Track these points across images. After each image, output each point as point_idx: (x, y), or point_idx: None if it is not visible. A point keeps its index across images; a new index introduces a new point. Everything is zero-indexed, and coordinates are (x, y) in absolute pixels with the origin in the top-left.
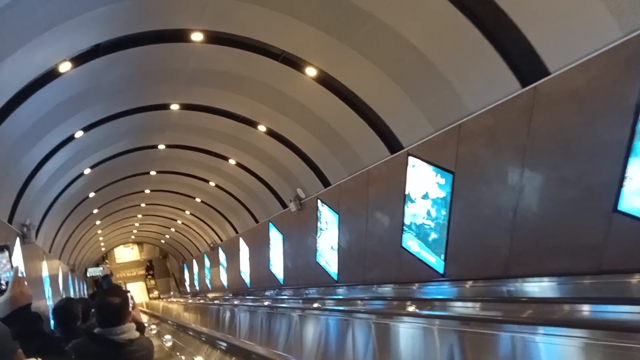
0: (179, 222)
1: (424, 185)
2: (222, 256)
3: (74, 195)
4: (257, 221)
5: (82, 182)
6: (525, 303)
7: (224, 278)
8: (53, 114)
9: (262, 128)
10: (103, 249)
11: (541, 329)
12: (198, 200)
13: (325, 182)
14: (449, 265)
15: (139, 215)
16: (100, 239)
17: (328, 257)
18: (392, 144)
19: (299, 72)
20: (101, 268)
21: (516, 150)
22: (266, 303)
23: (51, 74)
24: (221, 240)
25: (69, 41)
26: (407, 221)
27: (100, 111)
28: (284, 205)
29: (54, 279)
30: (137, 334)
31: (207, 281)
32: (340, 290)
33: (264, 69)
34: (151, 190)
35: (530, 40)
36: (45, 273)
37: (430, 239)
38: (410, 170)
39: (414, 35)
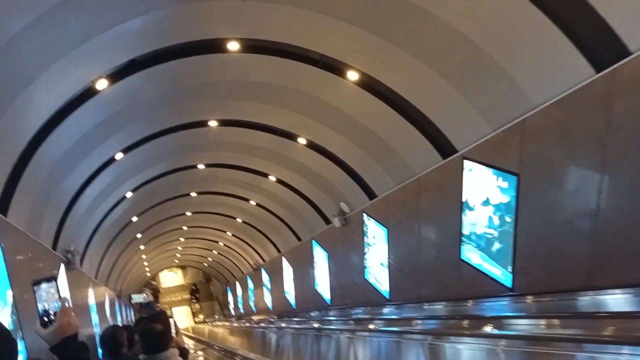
0: (221, 244)
1: (484, 191)
2: (265, 277)
3: (117, 219)
4: (299, 239)
5: (124, 206)
6: (608, 318)
7: (268, 300)
8: (92, 135)
9: (302, 141)
10: (148, 274)
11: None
12: (239, 220)
13: (371, 195)
14: (518, 277)
15: (182, 239)
16: (145, 263)
17: (378, 274)
18: (445, 148)
19: (340, 77)
20: (144, 295)
21: (594, 144)
22: (315, 325)
23: (88, 92)
24: (264, 260)
25: (103, 56)
26: (465, 231)
27: (138, 130)
28: (327, 222)
29: (100, 305)
30: (180, 359)
31: (252, 303)
32: (391, 309)
33: (303, 77)
34: (192, 212)
35: (605, 17)
36: (91, 300)
37: (494, 249)
38: (466, 175)
39: (466, 25)
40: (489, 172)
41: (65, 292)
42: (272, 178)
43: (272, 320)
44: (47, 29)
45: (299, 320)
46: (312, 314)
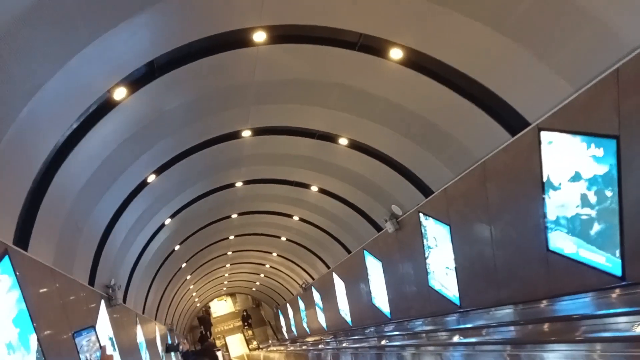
0: (267, 266)
1: (571, 164)
2: (316, 296)
3: (158, 249)
4: (349, 252)
5: (164, 234)
6: None
7: (321, 319)
8: (119, 155)
9: (343, 141)
10: (198, 305)
11: None
12: (283, 239)
13: (426, 191)
14: (631, 263)
15: (227, 265)
16: (194, 294)
17: (443, 279)
18: (513, 123)
19: (381, 58)
20: (180, 347)
21: None
22: (382, 342)
23: (107, 104)
24: (313, 279)
25: (116, 57)
26: (551, 215)
27: (169, 148)
28: (378, 228)
29: (151, 342)
30: None
31: (305, 325)
32: (464, 317)
33: (339, 65)
34: (235, 236)
35: None
36: (140, 337)
37: (592, 232)
38: (545, 150)
39: None
40: (575, 140)
41: (107, 330)
42: (314, 188)
43: (328, 340)
44: (42, 24)
45: (357, 339)
46: (371, 329)
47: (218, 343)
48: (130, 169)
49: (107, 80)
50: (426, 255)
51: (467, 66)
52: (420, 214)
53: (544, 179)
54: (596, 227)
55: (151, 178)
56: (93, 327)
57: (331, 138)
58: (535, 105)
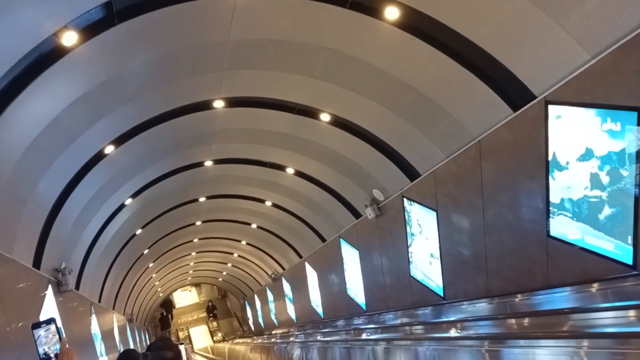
0: (235, 255)
1: (582, 141)
2: (286, 287)
3: (117, 232)
4: (323, 240)
5: (124, 216)
6: None
7: (291, 311)
8: (70, 117)
9: (324, 117)
10: (161, 295)
11: None
12: (254, 226)
13: (412, 174)
14: None
15: (193, 253)
16: (156, 283)
17: (426, 268)
18: (516, 95)
19: (375, 19)
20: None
21: None
22: (354, 335)
23: (54, 51)
24: (283, 269)
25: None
26: (554, 198)
27: (130, 115)
28: (357, 215)
29: (107, 333)
30: None
31: (273, 316)
32: (450, 310)
33: (327, 25)
34: (203, 222)
35: None
36: (95, 327)
37: (601, 217)
38: (553, 125)
39: None
40: (588, 114)
41: (56, 317)
42: (290, 170)
43: (297, 333)
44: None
45: (328, 331)
46: (344, 321)
47: (181, 334)
48: (84, 137)
49: (54, 20)
50: (409, 243)
51: (470, 30)
52: (405, 199)
53: (549, 158)
54: (606, 211)
55: (109, 149)
56: (52, 320)
57: (312, 113)
58: (544, 75)
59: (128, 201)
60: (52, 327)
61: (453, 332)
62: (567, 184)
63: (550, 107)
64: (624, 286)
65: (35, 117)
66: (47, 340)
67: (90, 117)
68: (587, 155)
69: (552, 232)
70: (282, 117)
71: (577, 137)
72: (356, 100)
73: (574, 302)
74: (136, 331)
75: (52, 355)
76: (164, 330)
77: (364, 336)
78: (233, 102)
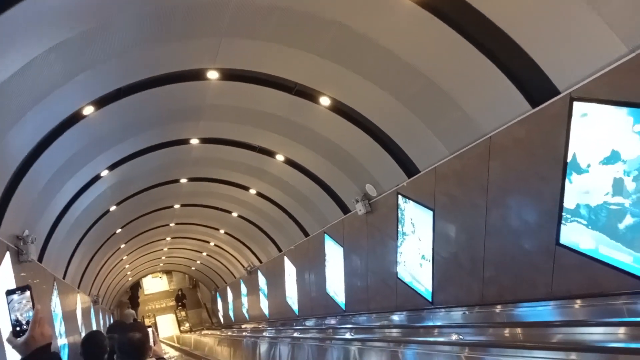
0: (212, 244)
1: (608, 142)
2: (262, 280)
3: (90, 206)
4: (307, 235)
5: (99, 189)
6: None
7: (264, 306)
8: (42, 66)
9: (324, 101)
10: (130, 279)
11: None
12: (235, 214)
13: (410, 170)
14: None
15: (168, 238)
16: (126, 266)
17: (416, 270)
18: (536, 90)
19: None
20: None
21: None
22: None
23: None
24: (260, 262)
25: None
26: (569, 203)
27: (113, 75)
28: (345, 210)
29: (70, 314)
30: None
31: (245, 310)
32: (437, 315)
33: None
34: (182, 205)
35: None
36: (56, 306)
37: (621, 226)
38: (577, 124)
39: None
40: (620, 113)
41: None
42: (280, 157)
43: (269, 328)
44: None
45: (302, 329)
46: (320, 320)
47: (147, 322)
48: (60, 92)
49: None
50: (399, 243)
51: (495, 12)
52: (399, 196)
53: (568, 159)
54: (628, 220)
55: (88, 111)
56: (27, 287)
57: (311, 95)
58: (571, 69)
59: (104, 173)
60: (27, 294)
61: (431, 338)
62: (585, 188)
63: (576, 104)
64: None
65: (3, 58)
66: (20, 307)
67: (68, 70)
68: (613, 158)
69: (562, 240)
70: (279, 97)
71: (603, 138)
72: (360, 84)
73: (580, 316)
74: (101, 314)
75: (23, 322)
76: (132, 309)
77: (338, 336)
78: (228, 75)
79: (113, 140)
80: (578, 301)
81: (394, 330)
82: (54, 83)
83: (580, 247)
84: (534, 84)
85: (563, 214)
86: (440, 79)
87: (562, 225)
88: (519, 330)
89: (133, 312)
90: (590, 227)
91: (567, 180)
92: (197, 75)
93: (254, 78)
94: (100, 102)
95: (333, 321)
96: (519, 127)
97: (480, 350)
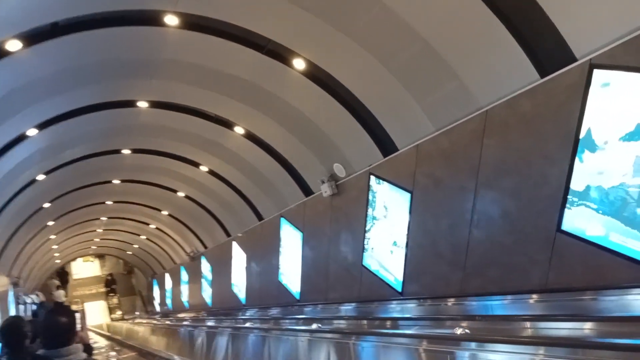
0: (152, 226)
1: (633, 116)
2: (205, 267)
3: (13, 172)
4: (261, 218)
5: (24, 152)
6: None
7: (207, 294)
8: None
9: (298, 64)
10: (58, 261)
11: None
12: (181, 194)
13: (387, 148)
14: None
15: (103, 219)
16: (54, 246)
17: (385, 258)
18: (548, 57)
19: None
20: (35, 294)
21: None
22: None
23: None
24: (206, 247)
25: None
26: (577, 185)
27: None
28: (308, 192)
29: None
30: (84, 355)
31: (184, 298)
32: (406, 307)
33: None
34: (121, 181)
35: None
36: None
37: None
38: (595, 94)
39: None
40: None
41: None
42: (239, 130)
43: (210, 317)
44: None
45: (245, 318)
46: (267, 311)
47: (74, 308)
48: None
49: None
50: (367, 228)
51: None
52: (372, 177)
53: (581, 135)
54: None
55: (14, 45)
56: None
57: (283, 57)
58: (594, 32)
59: (32, 132)
60: None
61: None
62: (599, 168)
63: (596, 72)
64: None
65: None
66: None
67: (22, 104)
68: (637, 133)
69: (565, 226)
70: (247, 57)
71: (627, 110)
72: (344, 45)
73: (580, 310)
74: (21, 298)
75: None
76: (63, 286)
77: (285, 327)
78: (190, 23)
79: (45, 91)
80: (588, 293)
81: (352, 321)
82: (8, 113)
83: (586, 234)
84: (547, 50)
85: (569, 197)
86: (439, 42)
87: (566, 210)
88: (496, 324)
89: (63, 291)
90: (600, 211)
91: (577, 159)
92: (153, 18)
93: (220, 31)
94: (31, 38)
95: (284, 311)
96: (524, 99)
97: (442, 344)
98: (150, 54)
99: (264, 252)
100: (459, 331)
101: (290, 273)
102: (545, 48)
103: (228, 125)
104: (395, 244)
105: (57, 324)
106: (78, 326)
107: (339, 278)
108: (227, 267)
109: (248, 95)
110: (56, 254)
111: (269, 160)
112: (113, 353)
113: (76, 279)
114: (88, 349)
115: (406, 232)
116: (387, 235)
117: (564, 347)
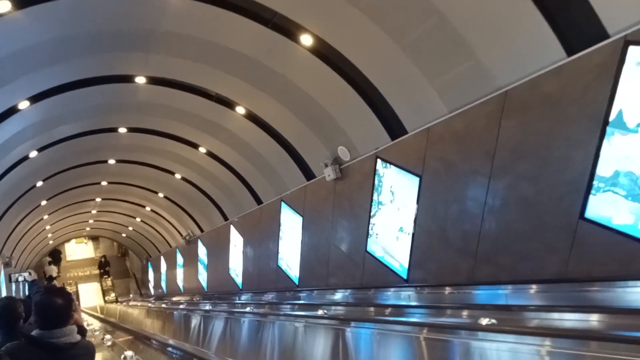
0: (148, 208)
1: None
2: (202, 251)
3: (5, 146)
4: (260, 202)
5: (16, 126)
6: None
7: (203, 278)
8: None
9: (305, 40)
10: (51, 242)
11: None
12: (178, 176)
13: (395, 131)
14: None
15: (98, 200)
16: (47, 227)
17: (390, 244)
18: (577, 33)
19: None
20: (28, 273)
21: None
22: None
23: None
24: (202, 231)
25: None
26: (603, 170)
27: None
28: (310, 176)
29: None
30: (79, 337)
31: (179, 282)
32: (412, 295)
33: None
34: (117, 161)
35: None
36: None
37: None
38: (629, 73)
39: None
40: None
41: None
42: (241, 110)
43: (205, 302)
44: None
45: (243, 303)
46: (264, 295)
47: (68, 290)
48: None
49: None
50: (372, 213)
51: None
52: (379, 160)
53: (611, 117)
54: None
55: (4, 7)
56: None
57: (290, 32)
58: (629, 6)
59: (24, 105)
60: None
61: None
62: (629, 152)
63: (632, 49)
64: None
65: None
66: None
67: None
68: None
69: (589, 214)
70: (252, 31)
71: None
72: (355, 19)
73: (599, 302)
74: (13, 276)
75: None
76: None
77: (282, 312)
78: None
79: (39, 60)
80: (614, 284)
81: (352, 308)
82: None
83: (612, 222)
84: (576, 26)
85: (594, 182)
86: (458, 16)
87: (590, 196)
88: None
89: (55, 267)
90: (629, 198)
91: (605, 142)
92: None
93: (223, 1)
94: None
95: (281, 296)
96: (549, 79)
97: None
98: (149, 24)
99: (262, 237)
100: (484, 321)
101: (290, 258)
102: (574, 23)
103: (229, 104)
104: (401, 229)
105: (53, 305)
106: (73, 308)
107: (341, 264)
108: (224, 251)
109: (251, 73)
110: (49, 235)
111: (270, 143)
112: (108, 336)
113: (69, 261)
114: (82, 330)
115: (414, 218)
116: (393, 221)
117: (591, 340)
